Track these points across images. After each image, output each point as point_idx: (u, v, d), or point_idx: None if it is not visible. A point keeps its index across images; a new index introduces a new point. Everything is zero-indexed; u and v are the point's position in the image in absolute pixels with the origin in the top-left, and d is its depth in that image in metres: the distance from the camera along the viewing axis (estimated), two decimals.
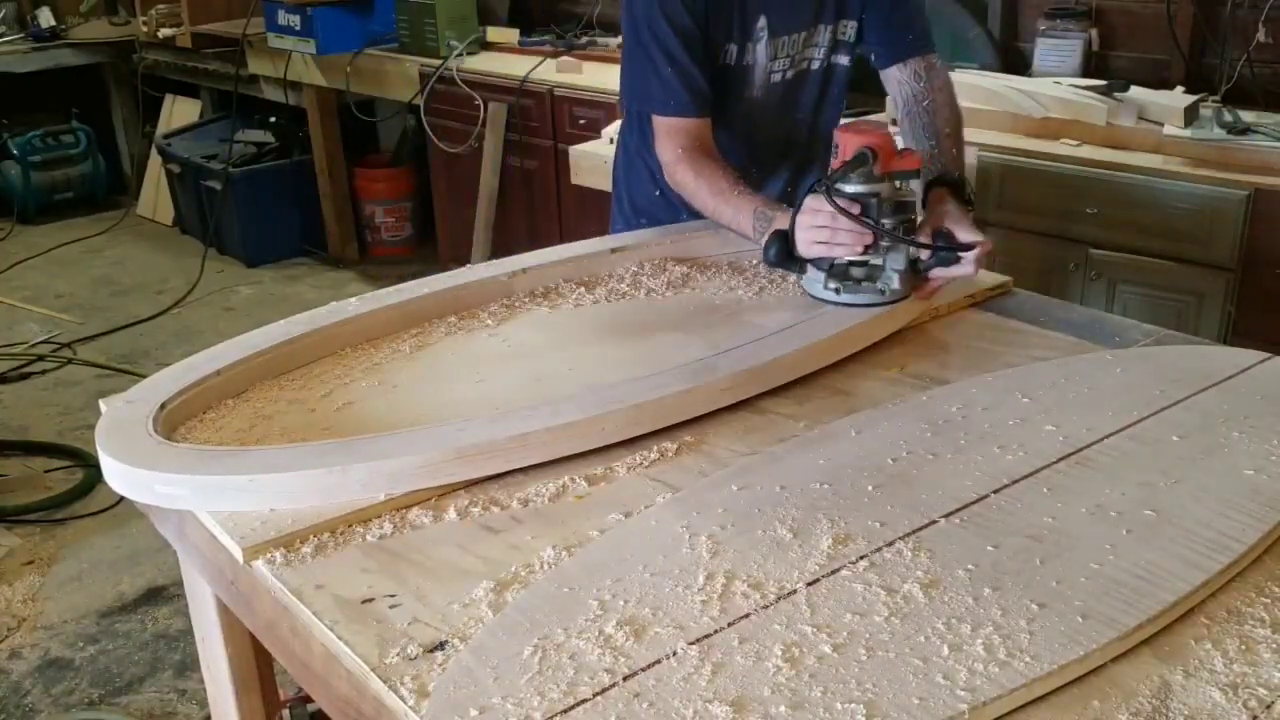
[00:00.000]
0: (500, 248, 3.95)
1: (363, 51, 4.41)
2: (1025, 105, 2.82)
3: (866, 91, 2.01)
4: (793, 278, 1.68)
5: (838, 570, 1.06)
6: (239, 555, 1.13)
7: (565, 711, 0.89)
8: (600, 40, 4.18)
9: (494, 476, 1.24)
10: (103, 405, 1.39)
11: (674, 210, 1.90)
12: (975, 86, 2.91)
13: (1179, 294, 2.59)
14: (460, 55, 4.12)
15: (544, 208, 3.98)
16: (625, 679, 0.92)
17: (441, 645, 0.98)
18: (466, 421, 1.27)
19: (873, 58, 1.90)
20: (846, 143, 1.54)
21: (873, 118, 2.88)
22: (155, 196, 5.74)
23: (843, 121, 1.81)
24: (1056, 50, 3.19)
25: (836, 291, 1.58)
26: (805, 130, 1.95)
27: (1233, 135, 2.58)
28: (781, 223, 1.60)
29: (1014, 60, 3.37)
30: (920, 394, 1.40)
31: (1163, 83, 3.02)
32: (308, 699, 1.87)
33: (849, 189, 1.54)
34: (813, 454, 1.26)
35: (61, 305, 4.74)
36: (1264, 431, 1.27)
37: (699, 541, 1.10)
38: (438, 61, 4.12)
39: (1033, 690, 0.91)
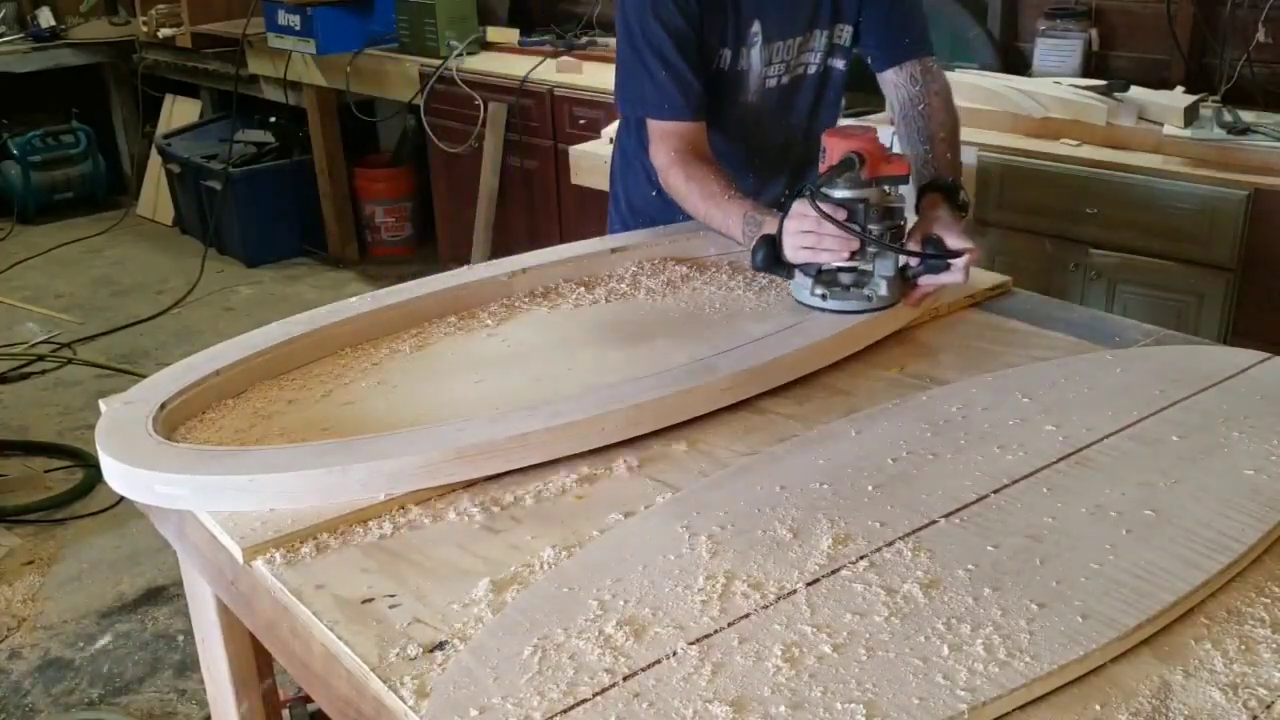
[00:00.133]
0: (500, 248, 3.95)
1: (363, 51, 4.41)
2: (1025, 105, 2.82)
3: (867, 91, 2.01)
4: None
5: (838, 570, 1.06)
6: (239, 555, 1.13)
7: (565, 711, 0.89)
8: (600, 40, 4.18)
9: (494, 476, 1.24)
10: (102, 405, 1.39)
11: (671, 211, 1.90)
12: (975, 86, 2.91)
13: (1179, 294, 2.59)
14: (460, 55, 4.12)
15: (544, 208, 3.99)
16: (625, 679, 0.92)
17: (441, 645, 0.98)
18: (466, 421, 1.27)
19: (869, 61, 1.90)
20: (833, 147, 1.53)
21: (873, 118, 2.88)
22: (155, 196, 5.74)
23: (844, 122, 1.81)
24: (1056, 50, 3.19)
25: (823, 297, 1.56)
26: (802, 134, 1.95)
27: (1233, 135, 2.58)
28: (770, 227, 1.58)
29: (1014, 60, 3.37)
30: (920, 394, 1.40)
31: (1163, 83, 3.02)
32: (308, 699, 1.87)
33: (836, 194, 1.52)
34: (813, 454, 1.26)
35: (61, 305, 4.74)
36: (1264, 431, 1.27)
37: (699, 541, 1.10)
38: (438, 61, 4.12)
39: (1033, 690, 0.91)
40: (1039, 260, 2.74)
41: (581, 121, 3.68)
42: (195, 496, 1.20)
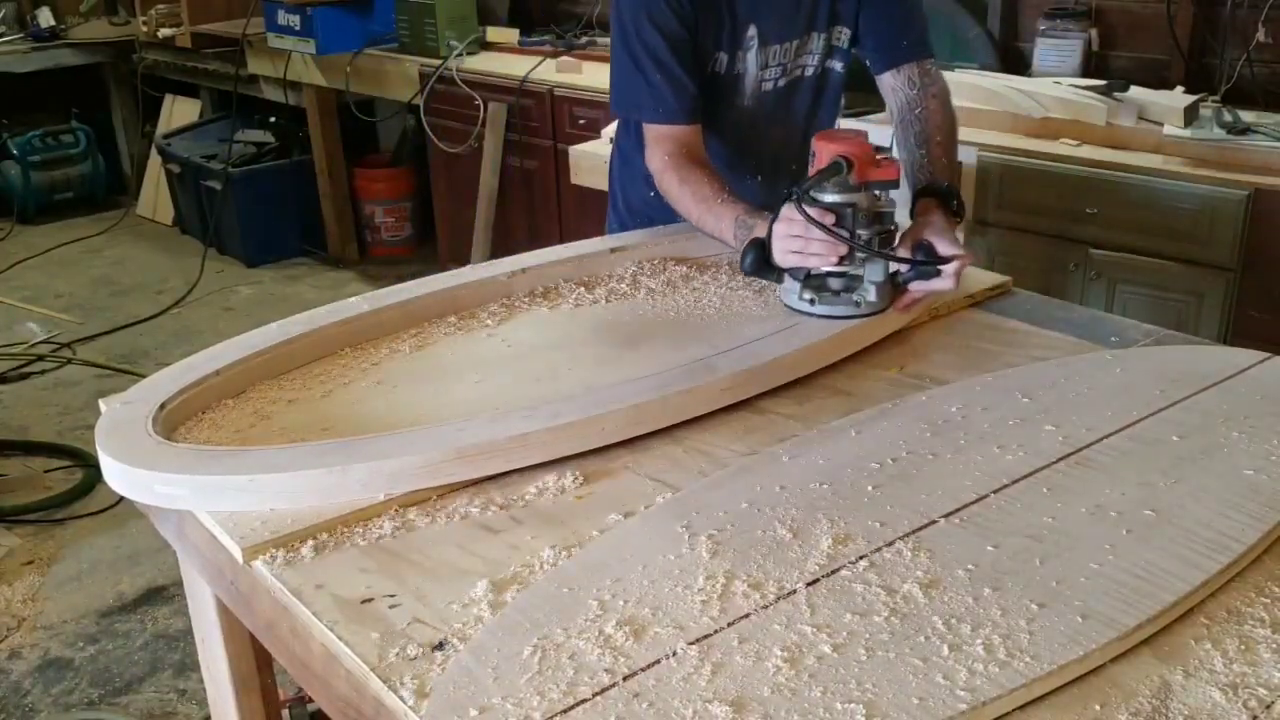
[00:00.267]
0: (500, 248, 3.95)
1: (363, 51, 4.41)
2: (1025, 105, 2.82)
3: (867, 91, 2.00)
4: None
5: (837, 570, 1.06)
6: (239, 555, 1.13)
7: (565, 711, 0.89)
8: (600, 40, 4.18)
9: (494, 476, 1.24)
10: (102, 405, 1.39)
11: (668, 211, 1.89)
12: (975, 86, 2.91)
13: (1179, 294, 2.59)
14: (460, 55, 4.12)
15: (544, 208, 3.99)
16: (625, 679, 0.92)
17: (441, 645, 0.98)
18: (466, 421, 1.27)
19: (867, 63, 1.89)
20: (822, 150, 1.52)
21: (874, 118, 2.88)
22: (155, 196, 5.74)
23: (844, 123, 1.80)
24: (1056, 50, 3.20)
25: (811, 302, 1.55)
26: (801, 136, 1.94)
27: (1233, 135, 2.58)
28: (761, 231, 1.57)
29: (1014, 60, 3.37)
30: (920, 394, 1.40)
31: (1163, 83, 3.02)
32: (308, 699, 1.87)
33: (824, 198, 1.51)
34: (813, 454, 1.26)
35: (61, 305, 4.74)
36: (1264, 431, 1.27)
37: (699, 541, 1.10)
38: (438, 61, 4.12)
39: (1033, 690, 0.91)
40: (1039, 260, 2.74)
41: (581, 121, 3.68)
42: (195, 496, 1.19)
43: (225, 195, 4.98)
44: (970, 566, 1.05)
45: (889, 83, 1.85)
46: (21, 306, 4.70)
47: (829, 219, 1.48)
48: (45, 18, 5.63)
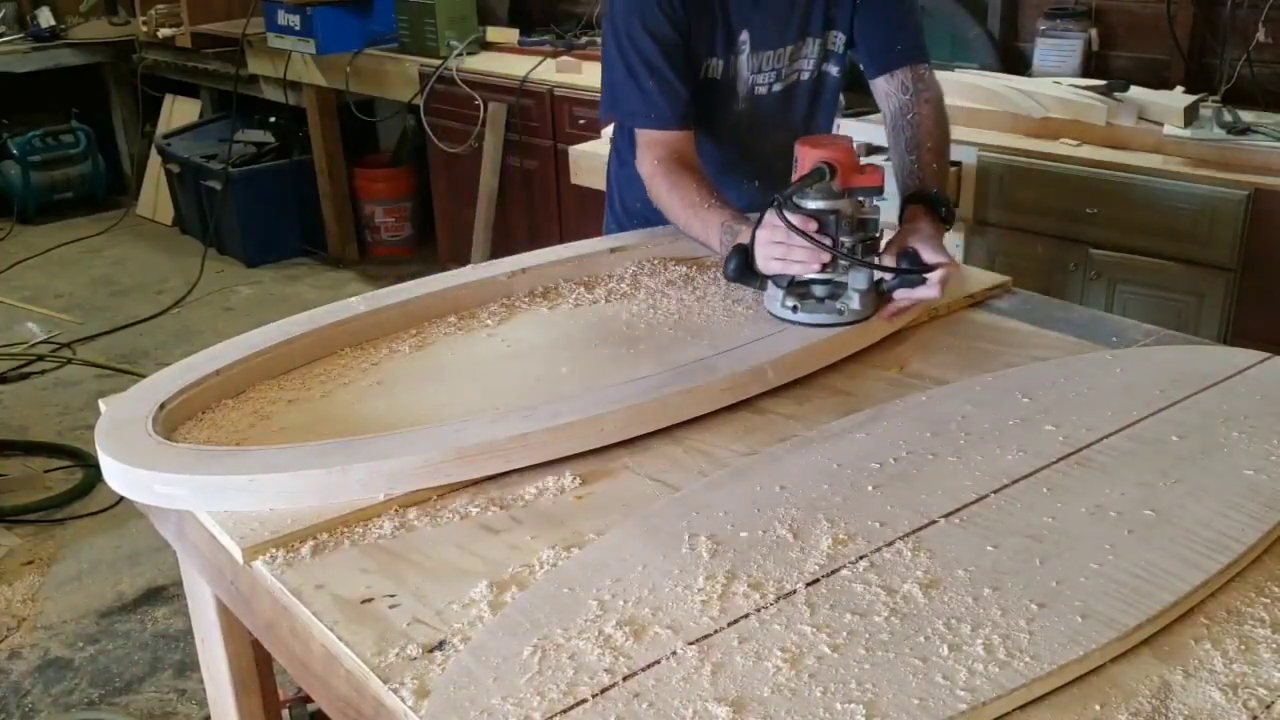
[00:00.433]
0: (500, 248, 3.95)
1: (362, 51, 4.41)
2: (1025, 105, 2.82)
3: (867, 91, 2.00)
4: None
5: (837, 570, 1.06)
6: (239, 555, 1.13)
7: (565, 712, 0.89)
8: (600, 40, 4.18)
9: (494, 476, 1.24)
10: (102, 405, 1.39)
11: None
12: (975, 86, 2.91)
13: (1179, 294, 2.58)
14: (460, 55, 4.12)
15: (544, 208, 3.99)
16: (625, 679, 0.92)
17: (441, 645, 0.98)
18: (466, 421, 1.27)
19: (861, 67, 1.88)
20: (805, 156, 1.49)
21: (873, 118, 2.88)
22: (155, 196, 5.74)
23: (843, 123, 1.80)
24: (1056, 50, 3.19)
25: (794, 310, 1.53)
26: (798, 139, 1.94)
27: (1233, 135, 2.58)
28: (745, 237, 1.55)
29: (1014, 60, 3.37)
30: (920, 394, 1.40)
31: (1163, 83, 3.02)
32: (308, 699, 1.87)
33: (807, 204, 1.49)
34: (813, 454, 1.26)
35: (61, 305, 4.74)
36: (1264, 431, 1.27)
37: (699, 541, 1.10)
38: (438, 61, 4.12)
39: (1033, 690, 0.91)
40: (1039, 260, 2.74)
41: (581, 121, 3.68)
42: (195, 496, 1.20)
43: (225, 195, 4.98)
44: (970, 566, 1.05)
45: (882, 88, 1.84)
46: (21, 306, 4.70)
47: (811, 225, 1.46)
48: (45, 18, 5.63)
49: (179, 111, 5.74)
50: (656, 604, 1.01)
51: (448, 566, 1.10)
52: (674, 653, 0.95)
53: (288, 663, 1.14)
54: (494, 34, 4.34)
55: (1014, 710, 0.90)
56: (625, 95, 1.78)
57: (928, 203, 1.64)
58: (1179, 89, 2.95)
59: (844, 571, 1.05)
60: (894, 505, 1.16)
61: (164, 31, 5.27)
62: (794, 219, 1.45)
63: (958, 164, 2.75)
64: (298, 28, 4.39)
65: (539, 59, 3.98)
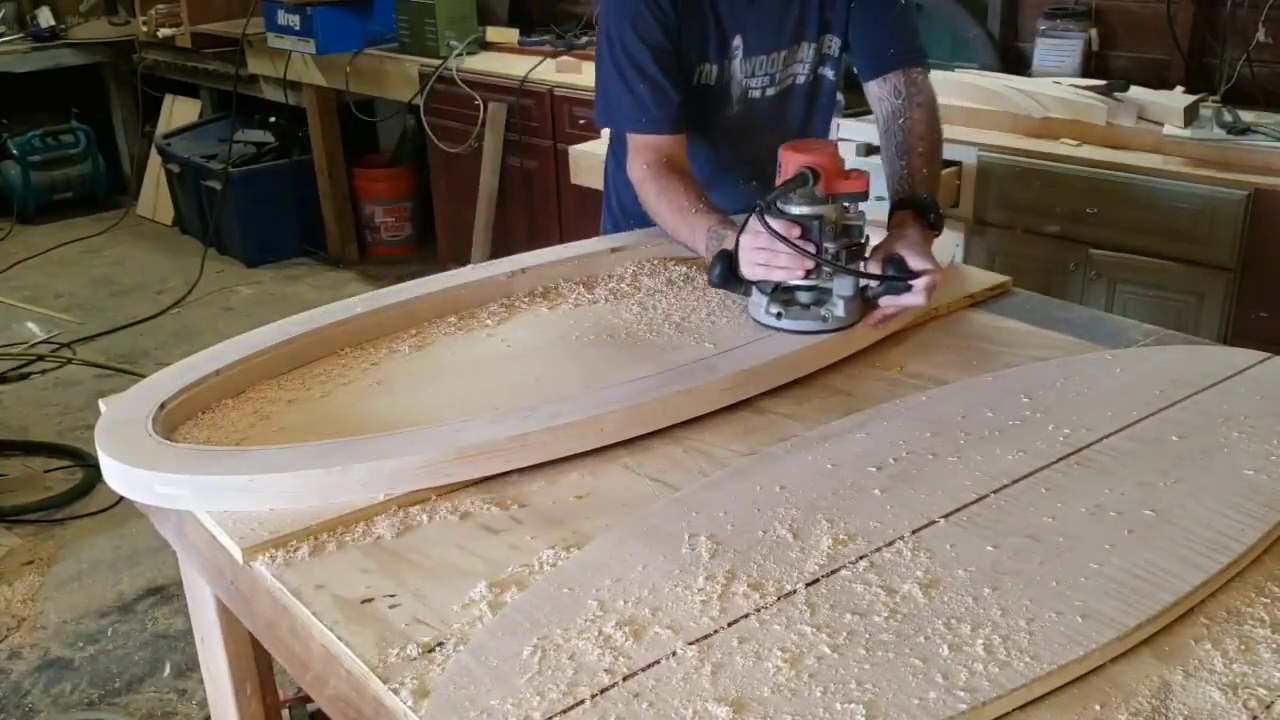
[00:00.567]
0: (500, 248, 3.95)
1: (362, 51, 4.41)
2: (1025, 105, 2.82)
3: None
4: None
5: (837, 570, 1.06)
6: (238, 555, 1.13)
7: (565, 712, 0.89)
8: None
9: (494, 476, 1.24)
10: (102, 405, 1.39)
11: None
12: (975, 86, 2.91)
13: (1179, 294, 2.58)
14: (460, 55, 4.12)
15: (544, 208, 3.99)
16: (625, 679, 0.92)
17: (441, 645, 0.98)
18: (466, 421, 1.27)
19: (855, 70, 1.87)
20: (788, 161, 1.48)
21: (872, 118, 2.87)
22: (155, 196, 5.74)
23: (843, 123, 1.80)
24: (1056, 50, 3.19)
25: (779, 316, 1.52)
26: None
27: (1233, 135, 2.58)
28: (730, 242, 1.54)
29: (1014, 60, 3.37)
30: (920, 394, 1.40)
31: (1163, 83, 3.02)
32: (308, 699, 1.87)
33: (790, 210, 1.47)
34: (813, 454, 1.26)
35: (61, 305, 4.74)
36: (1264, 431, 1.27)
37: (699, 541, 1.10)
38: (437, 61, 4.12)
39: (1033, 690, 0.91)
40: (1039, 260, 2.74)
41: (581, 121, 3.68)
42: (195, 496, 1.20)
43: (225, 195, 4.98)
44: (970, 567, 1.05)
45: (875, 91, 1.84)
46: (21, 306, 4.70)
47: (794, 231, 1.45)
48: (45, 18, 5.63)
49: (179, 111, 5.74)
50: (656, 604, 1.01)
51: (447, 566, 1.10)
52: (674, 653, 0.95)
53: (287, 663, 1.14)
54: (494, 34, 4.34)
55: (1014, 710, 0.90)
56: (616, 100, 1.78)
57: (916, 208, 1.63)
58: (1179, 89, 2.95)
59: (844, 571, 1.05)
60: (894, 505, 1.16)
61: (164, 31, 5.27)
62: (776, 224, 1.43)
63: (958, 164, 2.75)
64: (298, 28, 4.39)
65: (539, 59, 3.98)
